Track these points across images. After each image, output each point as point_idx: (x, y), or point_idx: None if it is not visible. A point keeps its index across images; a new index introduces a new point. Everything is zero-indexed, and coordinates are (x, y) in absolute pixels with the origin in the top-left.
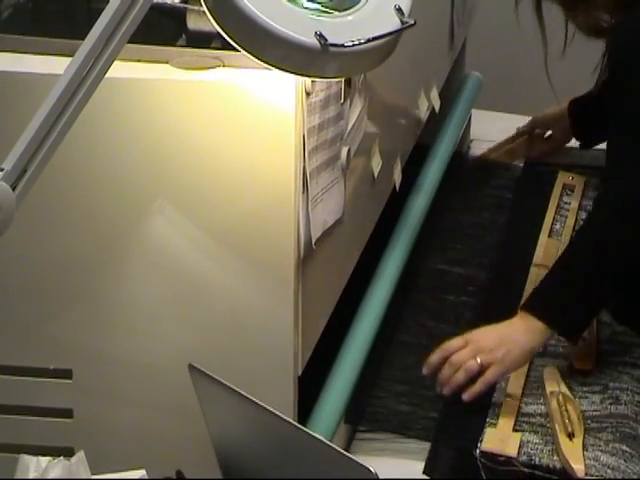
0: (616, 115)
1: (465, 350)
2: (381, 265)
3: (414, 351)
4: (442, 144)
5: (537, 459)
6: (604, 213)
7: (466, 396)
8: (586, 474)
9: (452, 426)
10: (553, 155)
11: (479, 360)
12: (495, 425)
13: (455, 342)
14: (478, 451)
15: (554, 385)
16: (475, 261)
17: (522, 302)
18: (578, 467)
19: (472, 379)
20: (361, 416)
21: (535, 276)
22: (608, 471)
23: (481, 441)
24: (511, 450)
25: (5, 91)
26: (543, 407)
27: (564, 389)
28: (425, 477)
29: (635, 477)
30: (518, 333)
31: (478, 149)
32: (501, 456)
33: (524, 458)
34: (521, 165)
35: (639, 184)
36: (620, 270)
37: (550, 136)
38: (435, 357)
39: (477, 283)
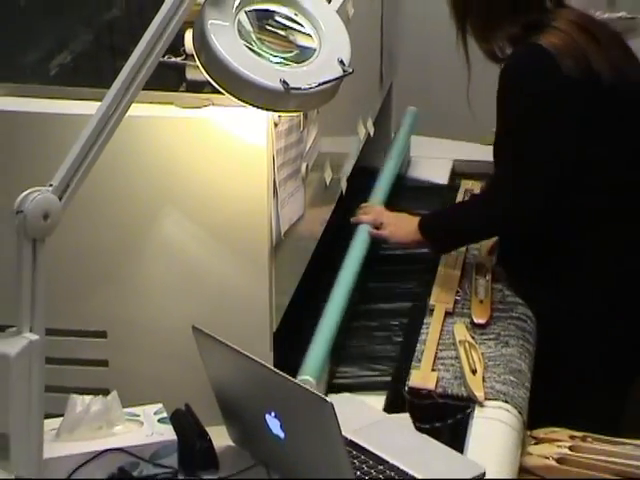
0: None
1: (380, 213)
2: (349, 251)
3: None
4: (390, 163)
5: (449, 390)
6: (483, 211)
7: (370, 231)
8: (485, 399)
9: (386, 370)
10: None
11: (381, 221)
12: (418, 368)
13: (378, 208)
14: (406, 387)
15: (462, 336)
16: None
17: (422, 218)
18: (479, 394)
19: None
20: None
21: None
22: (500, 395)
23: (408, 380)
24: (430, 385)
25: (53, 128)
26: (454, 352)
27: (469, 338)
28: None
29: (519, 399)
30: (409, 229)
31: (416, 167)
32: (423, 389)
33: (440, 390)
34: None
35: (499, 206)
36: (475, 240)
37: None
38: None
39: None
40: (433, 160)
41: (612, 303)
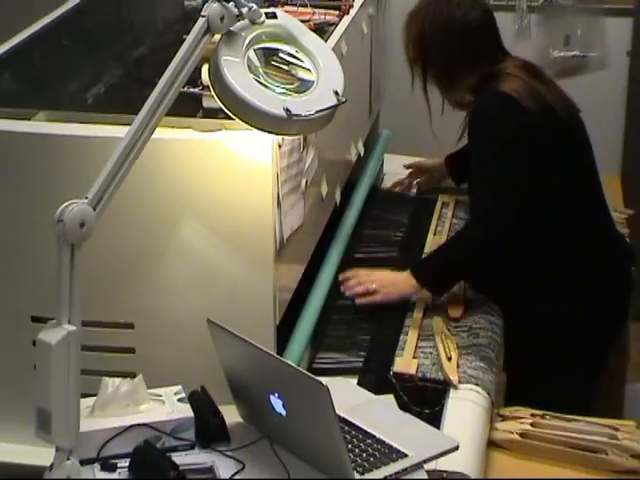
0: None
1: (368, 277)
2: (327, 254)
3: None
4: (365, 177)
5: (428, 375)
6: (463, 241)
7: (358, 301)
8: (459, 382)
9: (374, 357)
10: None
11: (374, 286)
12: (401, 355)
13: (363, 272)
14: (391, 372)
15: (439, 328)
16: (387, 250)
17: (412, 265)
18: (454, 378)
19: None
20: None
21: None
22: (472, 379)
23: (393, 366)
24: (412, 370)
25: (88, 149)
26: (432, 342)
27: (445, 330)
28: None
29: (488, 382)
30: (402, 283)
31: (388, 180)
32: (405, 374)
33: (420, 375)
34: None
35: (482, 232)
36: (465, 269)
37: (432, 176)
38: (349, 274)
39: (391, 262)
40: (404, 174)
41: (570, 302)
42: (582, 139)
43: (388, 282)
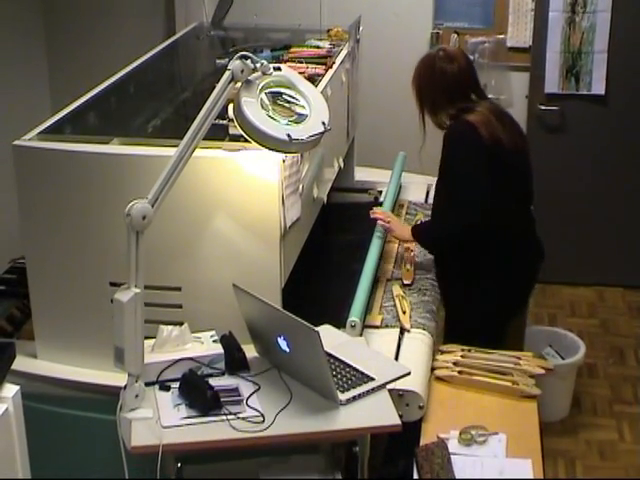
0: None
1: (390, 216)
2: (372, 240)
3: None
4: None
5: (390, 324)
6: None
7: (379, 222)
8: (411, 327)
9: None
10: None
11: (389, 220)
12: (370, 312)
13: (388, 212)
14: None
15: (397, 292)
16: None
17: (412, 228)
18: (407, 325)
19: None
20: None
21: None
22: (420, 326)
23: (365, 320)
24: (377, 322)
25: (148, 164)
26: (392, 302)
27: (401, 293)
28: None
29: (431, 328)
30: (404, 232)
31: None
32: (373, 324)
33: (384, 324)
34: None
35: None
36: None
37: None
38: (378, 210)
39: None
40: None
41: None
42: (522, 172)
43: (397, 224)
